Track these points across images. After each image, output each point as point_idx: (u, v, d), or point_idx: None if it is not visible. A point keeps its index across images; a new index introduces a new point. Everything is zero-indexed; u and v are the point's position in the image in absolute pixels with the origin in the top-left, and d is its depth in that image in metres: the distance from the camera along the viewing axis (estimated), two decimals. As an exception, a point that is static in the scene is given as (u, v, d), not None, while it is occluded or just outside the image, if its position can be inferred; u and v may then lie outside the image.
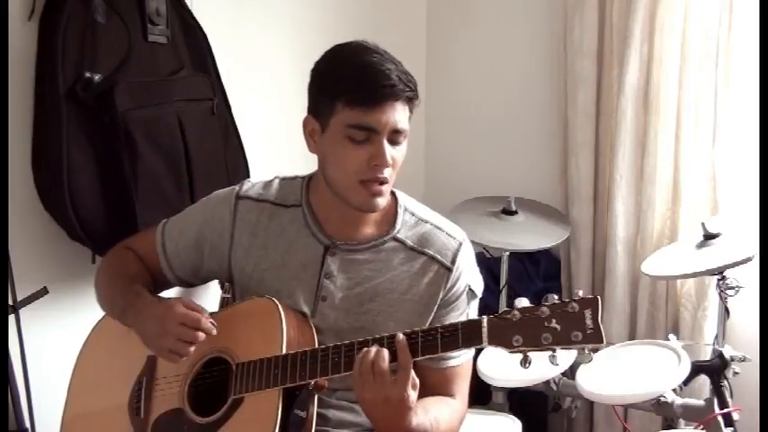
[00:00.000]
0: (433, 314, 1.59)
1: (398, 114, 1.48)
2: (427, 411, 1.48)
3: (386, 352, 1.37)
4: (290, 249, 1.59)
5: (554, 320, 1.32)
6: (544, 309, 1.33)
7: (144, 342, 1.52)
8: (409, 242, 1.60)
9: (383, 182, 1.50)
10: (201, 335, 1.46)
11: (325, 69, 1.54)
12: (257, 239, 1.61)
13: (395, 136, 1.49)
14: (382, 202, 1.53)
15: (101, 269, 1.73)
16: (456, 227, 1.66)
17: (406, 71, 1.50)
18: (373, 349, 1.38)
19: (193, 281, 1.71)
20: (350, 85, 1.47)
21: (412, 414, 1.41)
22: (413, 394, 1.38)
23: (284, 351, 1.46)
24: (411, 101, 1.50)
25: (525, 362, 1.34)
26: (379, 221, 1.61)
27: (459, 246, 1.62)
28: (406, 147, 1.54)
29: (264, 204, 1.63)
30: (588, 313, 1.31)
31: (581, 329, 1.30)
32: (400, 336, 1.38)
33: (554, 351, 1.32)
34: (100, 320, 1.69)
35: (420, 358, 1.39)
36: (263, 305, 1.52)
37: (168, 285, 1.72)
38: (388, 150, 1.48)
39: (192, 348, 1.47)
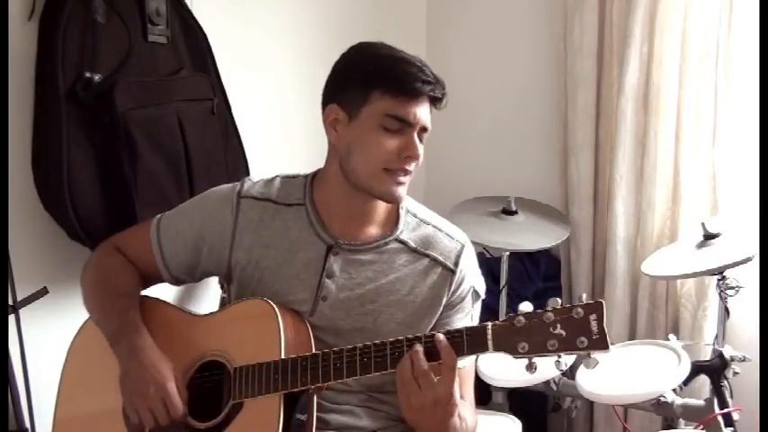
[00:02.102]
0: (437, 316, 1.59)
1: (427, 112, 1.52)
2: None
3: (421, 351, 1.36)
4: (293, 248, 1.59)
5: (559, 326, 1.32)
6: (549, 314, 1.32)
7: (120, 381, 1.51)
8: (412, 243, 1.61)
9: (407, 173, 1.52)
10: (167, 421, 1.46)
11: (358, 60, 1.55)
12: (259, 238, 1.60)
13: (422, 134, 1.53)
14: (404, 192, 1.55)
15: (88, 271, 1.69)
16: (457, 229, 1.67)
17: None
18: (408, 355, 1.37)
19: (188, 279, 1.70)
20: (390, 75, 1.49)
21: (456, 412, 1.40)
22: (457, 391, 1.39)
23: (283, 355, 1.45)
24: (436, 103, 1.53)
25: (531, 368, 1.34)
26: (382, 222, 1.62)
27: (462, 248, 1.62)
28: None
29: (267, 203, 1.62)
30: (593, 318, 1.31)
31: (586, 335, 1.30)
32: (440, 336, 1.37)
33: (559, 356, 1.32)
34: (87, 320, 1.67)
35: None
36: (259, 307, 1.51)
37: (160, 281, 1.70)
38: (418, 146, 1.51)
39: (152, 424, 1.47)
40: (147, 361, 1.49)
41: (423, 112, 1.50)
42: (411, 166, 1.52)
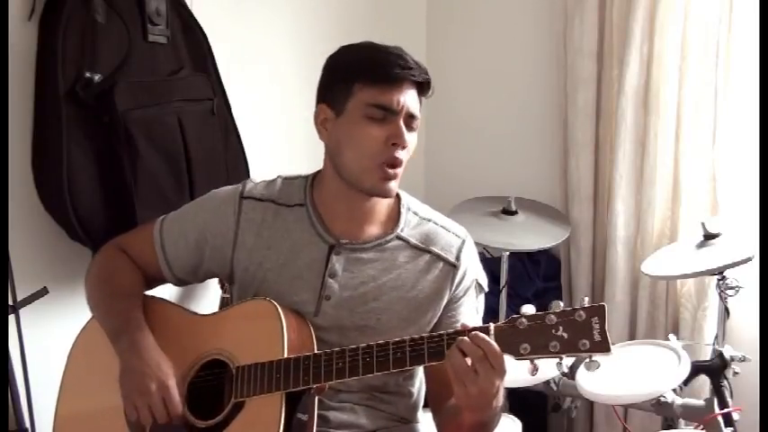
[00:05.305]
0: (439, 312, 1.60)
1: (413, 99, 1.52)
2: None
3: (467, 340, 1.33)
4: (295, 249, 1.59)
5: (561, 328, 1.32)
6: (552, 316, 1.33)
7: (120, 377, 1.50)
8: (413, 240, 1.61)
9: (397, 164, 1.51)
10: (165, 419, 1.46)
11: (340, 58, 1.58)
12: (261, 239, 1.60)
13: (409, 121, 1.52)
14: (394, 187, 1.54)
15: (92, 270, 1.70)
16: (458, 225, 1.68)
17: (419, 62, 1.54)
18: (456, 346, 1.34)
19: (191, 280, 1.71)
20: (368, 65, 1.51)
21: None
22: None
23: (286, 354, 1.45)
24: (423, 90, 1.54)
25: (534, 370, 1.34)
26: (383, 221, 1.62)
27: (463, 243, 1.63)
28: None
29: (268, 204, 1.63)
30: (595, 321, 1.31)
31: (588, 338, 1.31)
32: (479, 331, 1.34)
33: (561, 359, 1.33)
34: (90, 319, 1.66)
35: (428, 364, 1.39)
36: (263, 307, 1.51)
37: (163, 282, 1.71)
38: (405, 134, 1.51)
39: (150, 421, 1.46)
40: (147, 358, 1.49)
41: (406, 99, 1.50)
42: (400, 155, 1.51)
